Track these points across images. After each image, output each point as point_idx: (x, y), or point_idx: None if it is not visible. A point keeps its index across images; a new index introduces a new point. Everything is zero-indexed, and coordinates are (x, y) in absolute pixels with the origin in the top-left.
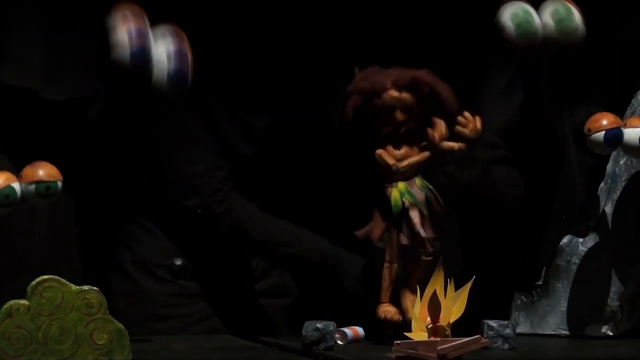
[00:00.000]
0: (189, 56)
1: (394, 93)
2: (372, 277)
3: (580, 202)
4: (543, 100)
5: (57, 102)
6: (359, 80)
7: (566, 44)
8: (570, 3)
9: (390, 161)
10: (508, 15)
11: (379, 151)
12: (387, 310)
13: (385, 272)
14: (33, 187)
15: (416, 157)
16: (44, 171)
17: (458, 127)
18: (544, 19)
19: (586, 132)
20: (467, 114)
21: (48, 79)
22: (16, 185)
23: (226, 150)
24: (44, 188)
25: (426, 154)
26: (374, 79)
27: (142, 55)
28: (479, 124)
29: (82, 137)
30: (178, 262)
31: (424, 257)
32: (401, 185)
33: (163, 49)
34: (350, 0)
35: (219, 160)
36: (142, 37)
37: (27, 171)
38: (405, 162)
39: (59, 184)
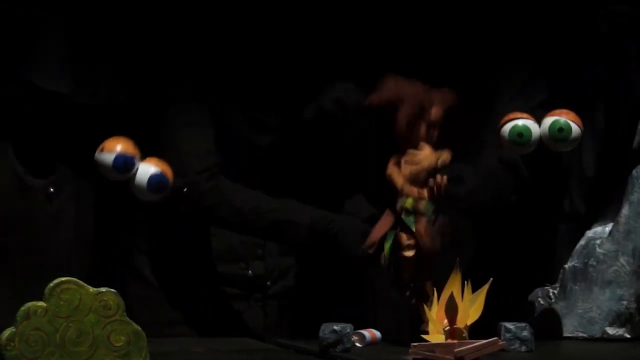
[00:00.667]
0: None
1: (440, 112)
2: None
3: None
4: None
5: (87, 106)
6: (401, 88)
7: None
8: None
9: (401, 182)
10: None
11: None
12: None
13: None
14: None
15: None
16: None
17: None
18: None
19: None
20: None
21: (79, 83)
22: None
23: (239, 142)
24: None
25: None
26: (422, 91)
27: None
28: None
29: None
30: None
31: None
32: (409, 200)
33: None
34: (359, 1)
35: (213, 147)
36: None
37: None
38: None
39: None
